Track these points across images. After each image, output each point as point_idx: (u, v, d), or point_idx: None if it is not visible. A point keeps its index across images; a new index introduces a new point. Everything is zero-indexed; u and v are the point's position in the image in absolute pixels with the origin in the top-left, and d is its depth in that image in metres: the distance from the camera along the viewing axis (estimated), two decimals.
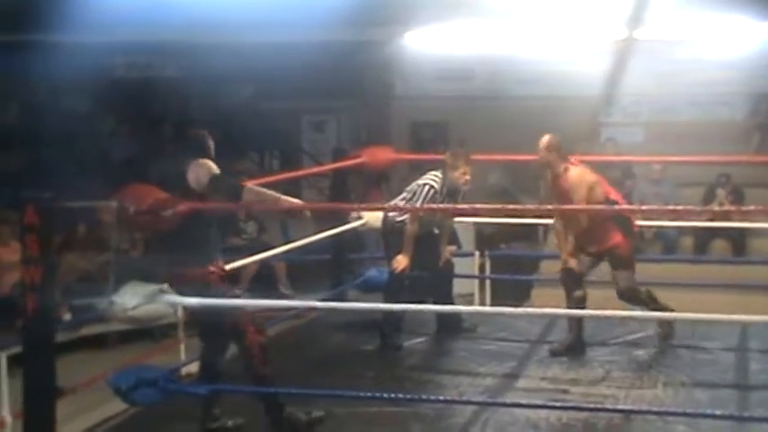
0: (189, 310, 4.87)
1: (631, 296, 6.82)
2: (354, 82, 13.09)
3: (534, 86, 12.93)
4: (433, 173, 7.00)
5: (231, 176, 5.21)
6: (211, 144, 5.17)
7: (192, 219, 4.80)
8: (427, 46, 12.84)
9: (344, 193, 8.85)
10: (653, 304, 6.84)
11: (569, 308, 6.74)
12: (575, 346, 6.72)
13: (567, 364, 6.47)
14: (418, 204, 6.89)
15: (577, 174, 6.69)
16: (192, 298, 4.75)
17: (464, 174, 6.91)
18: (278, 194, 5.09)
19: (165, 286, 4.62)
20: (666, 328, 6.93)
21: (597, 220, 6.67)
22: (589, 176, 6.70)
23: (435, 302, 7.14)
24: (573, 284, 6.81)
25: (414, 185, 7.06)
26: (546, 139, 6.78)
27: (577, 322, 6.75)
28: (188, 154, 5.02)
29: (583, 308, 6.69)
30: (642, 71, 12.50)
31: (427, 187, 6.92)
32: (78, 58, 11.19)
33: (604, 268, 6.94)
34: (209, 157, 5.07)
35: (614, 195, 6.86)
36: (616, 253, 6.75)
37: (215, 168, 4.94)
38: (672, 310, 6.84)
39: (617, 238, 6.74)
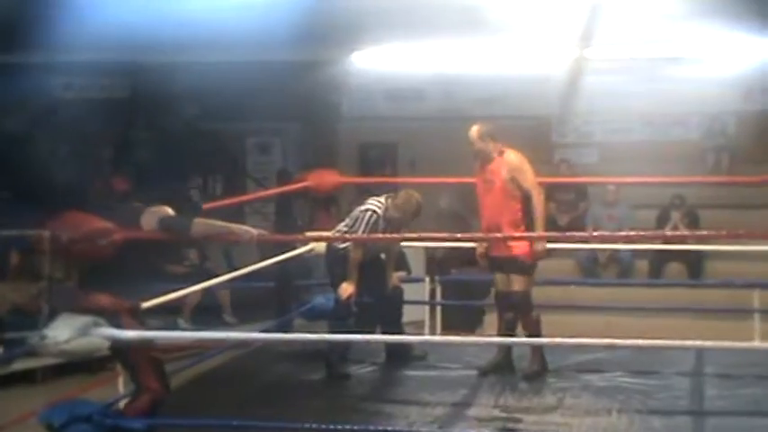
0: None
1: (523, 306, 6.86)
2: (301, 103, 13.07)
3: (487, 106, 12.96)
4: (375, 198, 7.05)
5: (183, 208, 5.19)
6: (199, 204, 5.23)
7: (129, 248, 4.77)
8: (376, 65, 12.87)
9: (290, 218, 8.84)
10: (532, 329, 6.87)
11: (500, 330, 6.79)
12: (503, 364, 6.80)
13: (519, 392, 6.50)
14: (360, 232, 6.92)
15: (505, 157, 6.71)
16: (129, 331, 4.71)
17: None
18: (228, 225, 5.08)
19: (100, 318, 4.58)
20: (538, 362, 6.92)
21: (508, 217, 6.67)
22: (517, 160, 6.71)
23: (384, 330, 7.14)
24: (503, 306, 6.85)
25: (356, 212, 7.09)
26: (475, 129, 6.87)
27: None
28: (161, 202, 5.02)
29: (512, 330, 6.72)
30: (595, 91, 12.59)
31: (369, 213, 6.96)
32: (13, 79, 11.09)
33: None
34: (192, 212, 5.10)
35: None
36: (519, 261, 6.79)
37: (166, 210, 4.94)
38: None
39: (523, 247, 6.75)
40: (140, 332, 4.78)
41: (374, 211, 6.96)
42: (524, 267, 6.82)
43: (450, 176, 7.85)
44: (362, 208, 7.04)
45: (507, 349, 6.82)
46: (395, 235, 6.90)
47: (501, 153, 6.78)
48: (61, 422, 4.61)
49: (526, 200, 6.78)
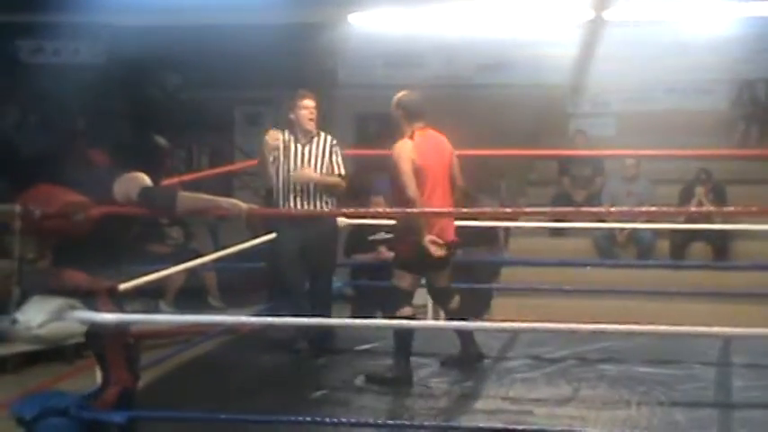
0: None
1: (445, 298, 6.96)
2: (293, 69, 12.99)
3: (494, 73, 12.97)
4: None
5: (162, 180, 5.14)
6: (168, 161, 5.16)
7: (107, 224, 4.73)
8: (374, 29, 12.81)
9: None
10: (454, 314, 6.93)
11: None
12: (468, 358, 6.81)
13: (531, 382, 6.48)
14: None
15: (402, 141, 6.68)
16: (108, 314, 4.68)
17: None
18: (216, 198, 5.03)
19: (75, 301, 4.55)
20: (471, 348, 6.91)
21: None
22: (406, 148, 6.66)
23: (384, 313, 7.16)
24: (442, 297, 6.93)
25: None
26: (398, 94, 6.77)
27: (468, 333, 6.82)
28: (128, 164, 4.94)
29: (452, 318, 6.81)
30: (614, 56, 12.55)
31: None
32: None
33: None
34: (160, 172, 5.03)
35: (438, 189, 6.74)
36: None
37: (146, 180, 4.88)
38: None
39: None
40: (119, 315, 4.75)
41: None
42: (403, 263, 6.77)
43: (456, 150, 7.81)
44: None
45: (468, 340, 6.84)
46: (397, 209, 6.85)
47: (411, 135, 6.69)
48: (33, 415, 4.59)
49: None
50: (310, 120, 7.21)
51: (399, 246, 6.82)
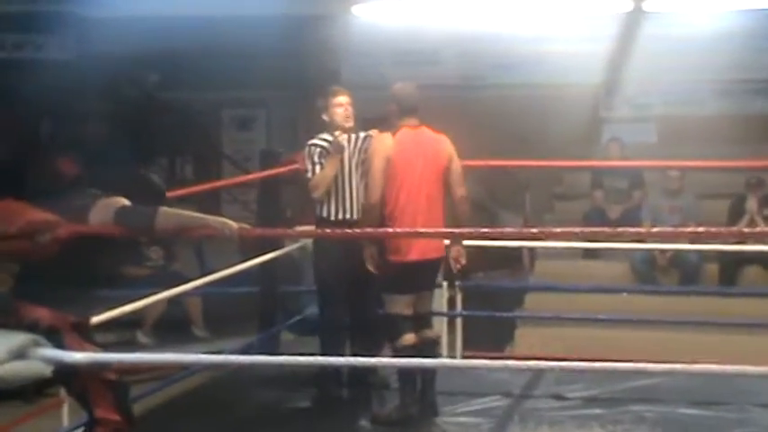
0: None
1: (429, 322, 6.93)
2: (289, 68, 13.05)
3: (516, 72, 12.96)
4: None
5: (141, 195, 5.15)
6: (161, 187, 5.18)
7: (76, 246, 4.73)
8: (381, 22, 12.85)
9: (276, 209, 8.81)
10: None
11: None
12: (404, 416, 6.66)
13: (558, 425, 6.49)
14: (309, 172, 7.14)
15: (380, 137, 6.77)
16: (77, 352, 4.67)
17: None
18: (201, 217, 5.04)
19: (39, 336, 4.54)
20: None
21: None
22: (383, 143, 6.71)
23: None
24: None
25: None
26: (394, 86, 6.86)
27: (411, 384, 6.70)
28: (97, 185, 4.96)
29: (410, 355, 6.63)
30: (654, 52, 12.56)
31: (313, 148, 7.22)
32: None
33: None
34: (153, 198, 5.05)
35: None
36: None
37: (122, 201, 4.89)
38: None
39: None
40: (89, 354, 4.74)
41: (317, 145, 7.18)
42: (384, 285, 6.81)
43: (471, 158, 7.82)
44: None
45: (410, 393, 6.73)
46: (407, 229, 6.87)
47: (396, 131, 6.74)
48: None
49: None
50: (347, 118, 7.24)
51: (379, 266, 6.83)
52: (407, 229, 6.57)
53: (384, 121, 6.95)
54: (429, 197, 6.67)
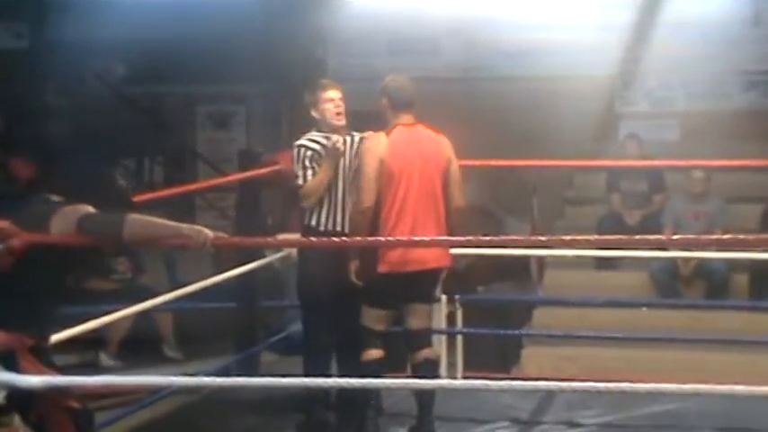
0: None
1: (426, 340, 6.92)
2: (271, 59, 13.05)
3: (523, 63, 12.96)
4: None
5: (105, 200, 5.13)
6: (126, 191, 5.16)
7: (33, 257, 4.72)
8: (375, 6, 12.86)
9: (256, 216, 8.81)
10: None
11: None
12: None
13: None
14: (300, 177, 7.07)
15: (374, 137, 6.78)
16: (33, 376, 4.66)
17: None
18: (173, 224, 5.02)
19: None
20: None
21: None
22: (377, 144, 6.74)
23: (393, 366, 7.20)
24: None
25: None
26: (385, 79, 6.91)
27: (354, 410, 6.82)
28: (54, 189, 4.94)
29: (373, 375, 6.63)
30: (676, 40, 12.57)
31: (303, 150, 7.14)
32: None
33: None
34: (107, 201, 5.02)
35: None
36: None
37: (86, 208, 4.87)
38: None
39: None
40: (47, 378, 4.72)
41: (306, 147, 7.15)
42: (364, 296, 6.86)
43: (473, 158, 7.81)
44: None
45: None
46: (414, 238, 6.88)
47: (391, 130, 6.77)
48: None
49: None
50: (338, 114, 7.23)
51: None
52: (400, 238, 6.57)
53: (376, 117, 6.95)
54: (427, 206, 6.68)
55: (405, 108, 6.77)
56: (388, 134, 6.72)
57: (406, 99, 6.79)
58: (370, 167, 6.62)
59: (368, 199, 6.59)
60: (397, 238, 6.54)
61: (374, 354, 6.69)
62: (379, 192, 6.64)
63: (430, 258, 6.70)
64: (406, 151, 6.66)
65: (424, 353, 6.84)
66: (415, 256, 6.62)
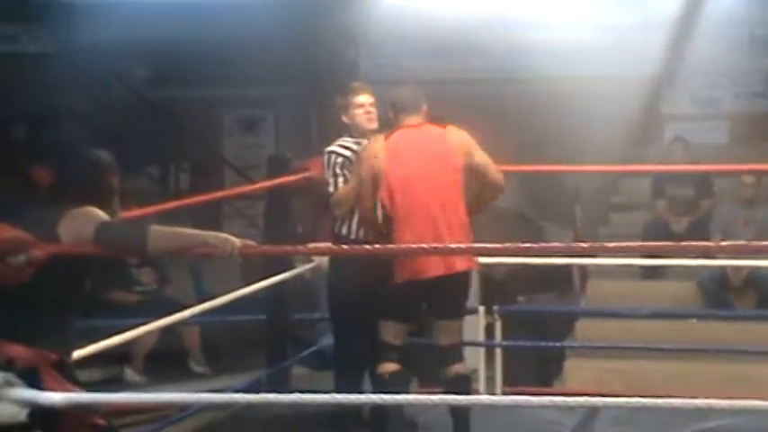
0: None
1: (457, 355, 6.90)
2: (300, 59, 13.07)
3: (565, 64, 12.92)
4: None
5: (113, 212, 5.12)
6: (111, 181, 5.14)
7: (54, 269, 4.72)
8: (409, 4, 12.86)
9: (286, 224, 8.82)
10: None
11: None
12: None
13: None
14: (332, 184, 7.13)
15: (371, 140, 6.87)
16: (55, 393, 4.66)
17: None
18: (200, 233, 5.01)
19: (12, 375, 4.53)
20: None
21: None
22: (371, 147, 6.78)
23: (424, 381, 7.19)
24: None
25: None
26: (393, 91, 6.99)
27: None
28: (67, 194, 4.93)
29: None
30: (723, 37, 12.53)
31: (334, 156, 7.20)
32: None
33: None
34: (102, 201, 5.00)
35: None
36: None
37: (100, 214, 4.86)
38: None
39: None
40: (70, 395, 4.72)
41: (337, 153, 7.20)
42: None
43: (511, 162, 7.79)
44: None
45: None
46: (441, 245, 6.86)
47: (390, 133, 6.82)
48: None
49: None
50: (370, 120, 7.25)
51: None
52: (437, 245, 6.53)
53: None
54: (439, 203, 6.66)
55: (409, 111, 6.81)
56: (387, 137, 6.74)
57: (408, 102, 6.85)
58: (364, 172, 6.65)
59: (364, 207, 6.63)
60: (431, 245, 6.52)
61: (389, 367, 6.69)
62: (382, 199, 6.67)
63: (450, 262, 6.66)
64: (407, 154, 6.69)
65: (455, 368, 6.82)
66: (434, 261, 6.59)
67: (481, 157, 6.78)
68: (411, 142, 6.71)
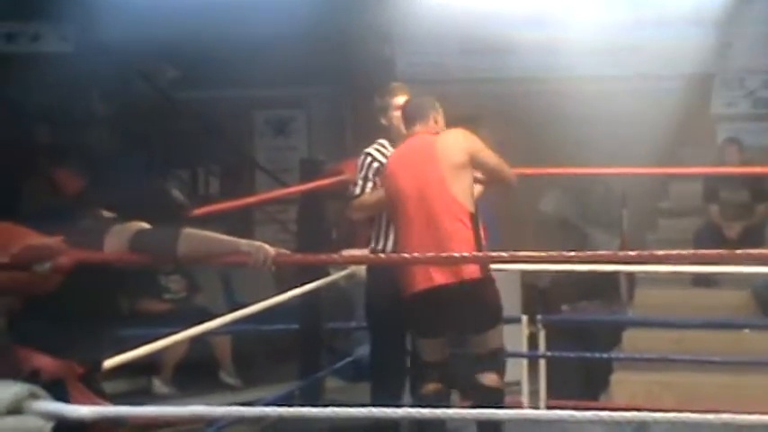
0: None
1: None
2: (334, 60, 13.10)
3: (610, 63, 12.92)
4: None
5: (161, 215, 5.16)
6: (182, 204, 5.20)
7: (82, 277, 4.76)
8: (445, 2, 12.87)
9: (320, 230, 8.84)
10: None
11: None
12: None
13: None
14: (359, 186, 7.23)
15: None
16: (82, 406, 4.69)
17: None
18: (231, 240, 5.04)
19: (38, 387, 4.56)
20: None
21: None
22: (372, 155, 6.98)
23: (463, 393, 7.19)
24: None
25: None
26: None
27: None
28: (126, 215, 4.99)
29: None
30: None
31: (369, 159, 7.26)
32: None
33: None
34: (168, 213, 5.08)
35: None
36: None
37: (144, 225, 4.91)
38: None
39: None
40: (97, 408, 4.75)
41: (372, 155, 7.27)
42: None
43: (553, 165, 7.82)
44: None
45: None
46: (481, 253, 6.89)
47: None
48: None
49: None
50: None
51: None
52: (475, 253, 6.58)
53: (448, 125, 7.01)
54: (435, 210, 6.73)
55: (413, 122, 6.92)
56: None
57: (412, 113, 6.94)
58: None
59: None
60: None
61: (431, 388, 6.71)
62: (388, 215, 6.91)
63: (456, 269, 6.70)
64: (399, 169, 6.85)
65: (483, 378, 6.85)
66: (438, 269, 6.68)
67: (486, 157, 6.84)
68: (401, 158, 6.89)
